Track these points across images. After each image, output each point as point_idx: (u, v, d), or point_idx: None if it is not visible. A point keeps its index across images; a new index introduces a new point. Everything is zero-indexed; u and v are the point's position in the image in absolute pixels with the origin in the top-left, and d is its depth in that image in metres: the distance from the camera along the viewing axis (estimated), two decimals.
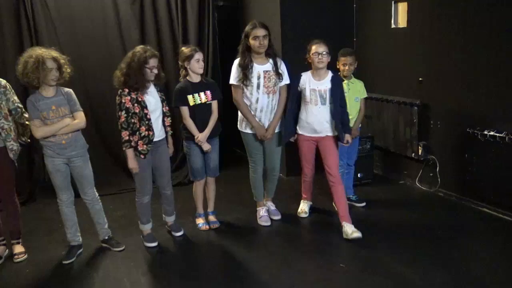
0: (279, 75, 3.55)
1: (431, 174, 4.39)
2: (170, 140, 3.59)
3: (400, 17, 4.57)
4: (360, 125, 4.01)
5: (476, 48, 3.77)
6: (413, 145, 4.45)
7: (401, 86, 4.60)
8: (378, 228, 3.66)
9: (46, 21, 4.59)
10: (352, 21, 5.12)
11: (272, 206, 4.04)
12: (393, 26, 4.62)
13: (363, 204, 4.09)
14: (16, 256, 3.42)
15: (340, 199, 3.55)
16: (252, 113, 3.57)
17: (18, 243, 3.52)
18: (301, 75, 3.58)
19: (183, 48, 3.53)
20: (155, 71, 3.31)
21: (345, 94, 3.69)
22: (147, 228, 3.60)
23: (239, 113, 3.68)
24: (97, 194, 3.50)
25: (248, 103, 3.56)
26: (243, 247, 3.48)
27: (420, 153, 4.40)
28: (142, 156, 3.31)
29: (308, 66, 3.61)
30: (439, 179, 4.28)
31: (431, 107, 4.28)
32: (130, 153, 3.30)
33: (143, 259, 3.37)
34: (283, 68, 3.61)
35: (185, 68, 3.52)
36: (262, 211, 3.92)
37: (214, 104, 3.61)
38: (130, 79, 3.21)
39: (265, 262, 3.22)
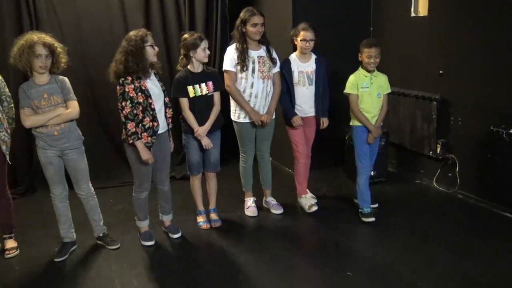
0: (272, 60, 3.58)
1: (449, 174, 4.11)
2: (170, 133, 3.38)
3: (421, 4, 4.27)
4: (381, 123, 3.65)
5: (502, 39, 3.46)
6: (431, 143, 4.16)
7: (420, 79, 4.31)
8: (390, 231, 3.41)
9: (47, 6, 4.42)
10: (368, 9, 4.82)
11: (273, 201, 3.91)
12: (412, 14, 4.32)
13: (376, 205, 3.83)
14: (7, 252, 3.28)
15: (306, 172, 3.91)
16: (247, 99, 3.52)
17: (10, 237, 3.38)
18: (289, 59, 3.65)
19: (186, 36, 3.31)
20: (157, 48, 3.13)
21: (367, 90, 3.45)
22: (144, 225, 3.41)
23: (232, 103, 3.61)
24: (92, 189, 3.33)
25: (242, 89, 3.52)
26: (244, 248, 3.28)
27: (438, 152, 4.12)
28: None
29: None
30: (458, 180, 4.00)
31: (452, 102, 3.99)
32: (140, 144, 3.07)
33: (138, 259, 3.19)
34: (275, 55, 3.63)
35: (187, 57, 3.30)
36: (249, 202, 3.88)
37: (216, 96, 3.40)
38: (130, 65, 2.99)
39: (266, 266, 3.01)
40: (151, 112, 3.08)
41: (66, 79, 3.15)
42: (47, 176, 3.17)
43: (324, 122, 3.75)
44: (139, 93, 3.04)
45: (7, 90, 3.25)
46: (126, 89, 3.02)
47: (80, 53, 4.60)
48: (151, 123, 3.09)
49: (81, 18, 4.58)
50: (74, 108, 3.10)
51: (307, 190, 3.99)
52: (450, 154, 4.07)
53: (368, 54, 3.41)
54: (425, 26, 4.18)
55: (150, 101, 3.07)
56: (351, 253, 3.15)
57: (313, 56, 3.69)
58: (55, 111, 3.03)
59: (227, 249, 3.28)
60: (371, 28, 4.86)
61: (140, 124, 3.07)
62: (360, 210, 3.63)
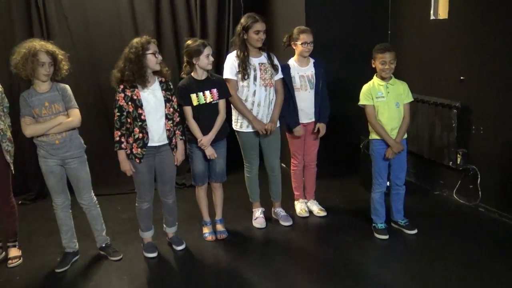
0: (274, 67, 3.47)
1: (470, 186, 3.87)
2: (180, 146, 3.20)
3: (441, 7, 4.05)
4: (405, 136, 3.37)
5: None
6: (451, 153, 3.94)
7: (439, 85, 4.09)
8: (404, 247, 3.23)
9: (58, 12, 4.41)
10: (386, 11, 4.63)
11: (282, 212, 3.76)
12: (432, 17, 4.11)
13: (415, 231, 3.41)
14: (10, 261, 3.25)
15: (311, 178, 3.89)
16: (249, 108, 3.42)
17: (14, 246, 3.34)
18: (288, 65, 3.63)
19: (189, 42, 3.21)
20: (160, 56, 3.03)
21: (383, 100, 3.23)
22: (147, 236, 3.33)
23: (234, 112, 3.50)
24: (95, 199, 3.26)
25: (244, 97, 3.42)
26: (249, 263, 3.14)
27: (458, 162, 3.89)
28: (137, 160, 3.03)
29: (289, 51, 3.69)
30: (480, 192, 3.77)
31: (473, 110, 3.77)
32: (121, 154, 3.04)
33: (139, 271, 3.10)
34: (277, 62, 3.53)
35: (190, 64, 3.20)
36: (257, 213, 3.74)
37: (221, 104, 3.28)
38: (126, 72, 2.92)
39: (271, 284, 2.86)
40: (139, 123, 2.99)
41: (67, 86, 3.09)
42: (49, 185, 3.12)
43: (321, 128, 3.66)
44: (130, 103, 2.97)
45: (6, 100, 3.21)
46: (117, 97, 2.98)
47: (90, 58, 4.57)
48: (140, 134, 3.00)
49: (91, 23, 4.54)
50: (75, 116, 3.04)
51: (315, 200, 3.95)
52: (471, 165, 3.83)
53: (382, 60, 3.20)
54: (445, 30, 3.97)
55: (140, 111, 2.98)
56: (361, 271, 2.98)
57: (311, 60, 3.68)
58: (56, 120, 2.97)
59: (231, 264, 3.15)
60: (389, 32, 4.66)
61: (132, 134, 3.00)
62: (373, 225, 3.45)
